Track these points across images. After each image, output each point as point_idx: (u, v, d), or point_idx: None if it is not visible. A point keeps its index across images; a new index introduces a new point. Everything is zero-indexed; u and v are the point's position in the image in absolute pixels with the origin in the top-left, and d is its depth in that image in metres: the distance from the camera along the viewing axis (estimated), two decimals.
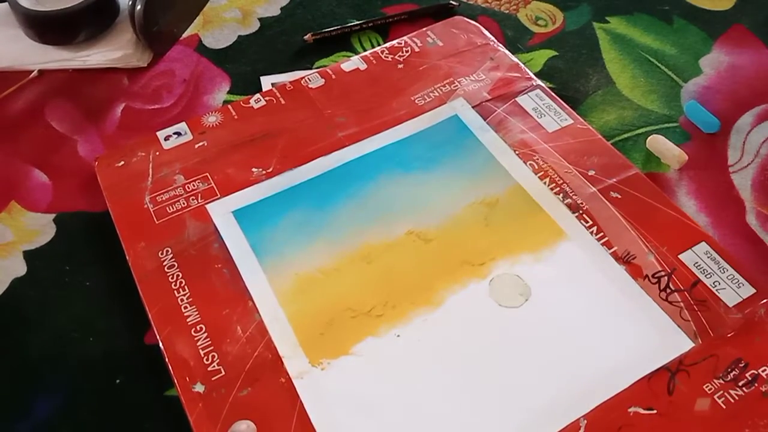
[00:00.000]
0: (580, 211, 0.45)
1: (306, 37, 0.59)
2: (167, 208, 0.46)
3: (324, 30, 0.60)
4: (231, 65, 0.58)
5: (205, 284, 0.42)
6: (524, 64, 0.55)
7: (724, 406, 0.37)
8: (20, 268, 0.46)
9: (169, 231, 0.45)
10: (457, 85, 0.53)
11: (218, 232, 0.45)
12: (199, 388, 0.38)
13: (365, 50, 0.58)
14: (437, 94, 0.52)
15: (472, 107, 0.51)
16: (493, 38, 0.57)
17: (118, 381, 0.41)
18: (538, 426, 0.36)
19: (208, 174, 0.48)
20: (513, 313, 0.41)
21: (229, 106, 0.53)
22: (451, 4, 0.62)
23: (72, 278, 0.46)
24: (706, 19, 0.61)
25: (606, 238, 0.44)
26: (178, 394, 0.38)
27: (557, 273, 0.42)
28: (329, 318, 0.41)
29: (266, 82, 0.57)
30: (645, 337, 0.39)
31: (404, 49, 0.56)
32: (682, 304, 0.40)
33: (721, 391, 0.37)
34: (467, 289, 0.42)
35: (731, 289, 0.41)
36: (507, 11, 0.62)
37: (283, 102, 0.53)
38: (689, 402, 0.37)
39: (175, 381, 0.39)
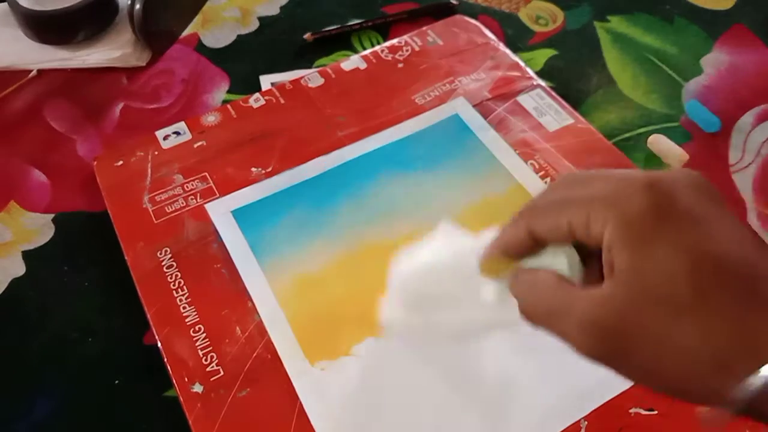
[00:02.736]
0: None
1: (306, 37, 0.59)
2: (166, 208, 0.46)
3: (324, 29, 0.60)
4: (230, 64, 0.58)
5: (204, 284, 0.42)
6: (525, 63, 0.55)
7: None
8: (19, 268, 0.46)
9: (168, 231, 0.45)
10: (457, 85, 0.53)
11: (217, 231, 0.45)
12: (198, 388, 0.38)
13: (365, 49, 0.58)
14: (437, 93, 0.52)
15: (473, 106, 0.51)
16: (493, 37, 0.57)
17: (117, 381, 0.41)
18: (538, 427, 0.36)
19: (207, 173, 0.48)
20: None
21: (229, 106, 0.52)
22: (452, 3, 0.62)
23: (71, 278, 0.45)
24: (707, 19, 0.60)
25: None
26: (176, 395, 0.38)
27: None
28: (329, 318, 0.41)
29: (266, 81, 0.57)
30: None
31: (404, 48, 0.56)
32: None
33: None
34: None
35: None
36: (507, 10, 0.62)
37: (282, 101, 0.52)
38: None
39: (174, 381, 0.38)
